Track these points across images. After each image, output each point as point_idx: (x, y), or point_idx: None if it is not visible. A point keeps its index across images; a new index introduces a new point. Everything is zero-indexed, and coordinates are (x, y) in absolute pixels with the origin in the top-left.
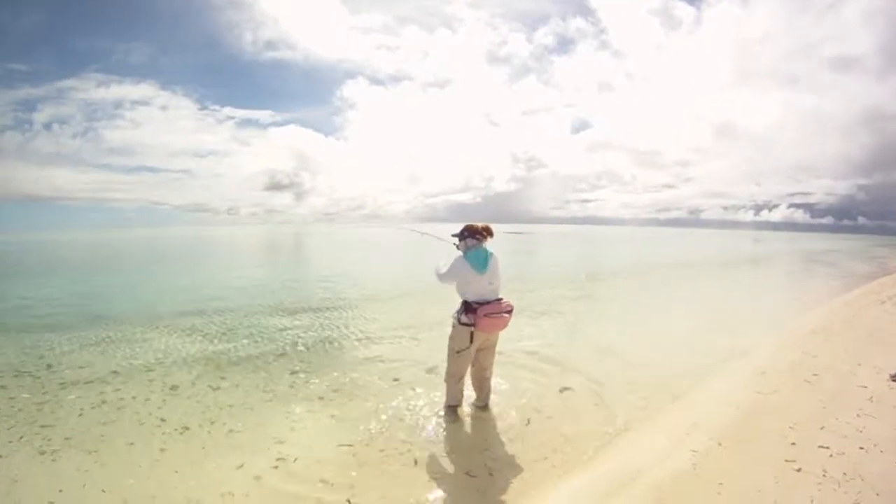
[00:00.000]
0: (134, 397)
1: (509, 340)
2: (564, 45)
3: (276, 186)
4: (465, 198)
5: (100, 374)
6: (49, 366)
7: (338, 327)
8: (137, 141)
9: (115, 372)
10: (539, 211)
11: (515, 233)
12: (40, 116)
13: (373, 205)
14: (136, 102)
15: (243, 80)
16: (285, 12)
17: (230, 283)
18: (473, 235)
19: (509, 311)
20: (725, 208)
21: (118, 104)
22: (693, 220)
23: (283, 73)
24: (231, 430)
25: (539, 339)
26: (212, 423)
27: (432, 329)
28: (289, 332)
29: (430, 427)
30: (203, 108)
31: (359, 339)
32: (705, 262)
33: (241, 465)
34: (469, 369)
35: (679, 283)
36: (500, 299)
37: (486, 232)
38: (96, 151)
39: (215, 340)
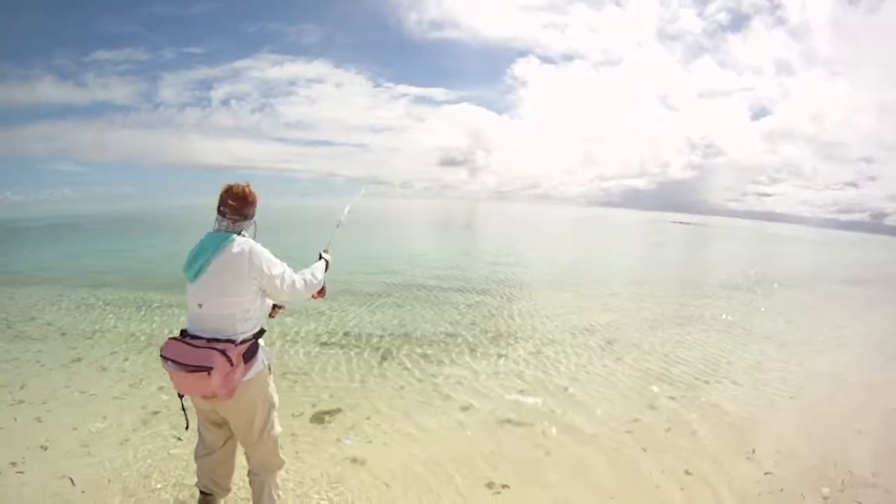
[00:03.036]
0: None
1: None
2: (738, 21)
3: (450, 162)
4: (640, 183)
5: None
6: None
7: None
8: (313, 116)
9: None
10: (716, 202)
11: (683, 223)
12: (217, 94)
13: (546, 185)
14: (310, 80)
15: (414, 58)
16: None
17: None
18: (218, 209)
19: (199, 368)
20: None
21: (293, 82)
22: (875, 225)
23: (451, 52)
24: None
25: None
26: None
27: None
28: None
29: None
30: (377, 85)
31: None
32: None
33: None
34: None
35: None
36: (194, 339)
37: (233, 202)
38: (274, 125)
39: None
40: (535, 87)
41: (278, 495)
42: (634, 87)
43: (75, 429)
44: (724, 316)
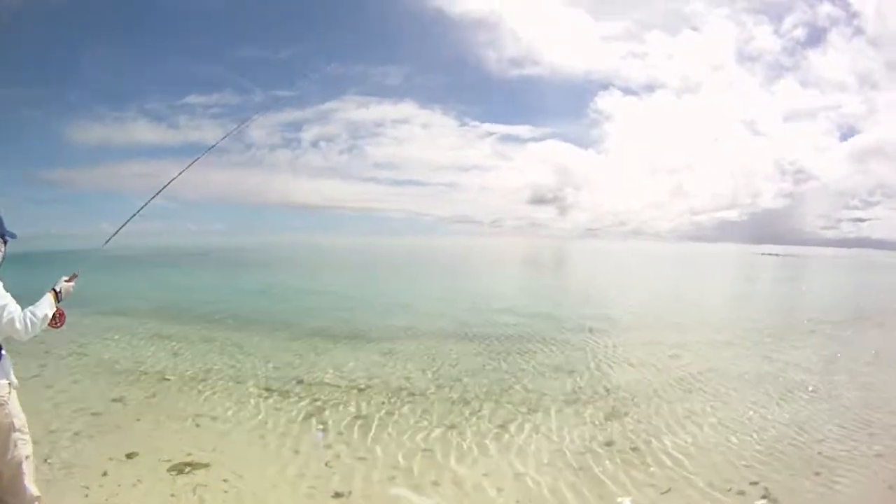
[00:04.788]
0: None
1: None
2: (815, 35)
3: (539, 200)
4: (732, 215)
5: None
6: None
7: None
8: (401, 156)
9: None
10: (810, 231)
11: (772, 254)
12: (307, 135)
13: (636, 220)
14: (396, 121)
15: (497, 96)
16: (526, 28)
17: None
18: None
19: None
20: None
21: (379, 123)
22: None
23: (534, 89)
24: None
25: None
26: None
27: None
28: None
29: None
30: (463, 124)
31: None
32: None
33: None
34: None
35: None
36: None
37: None
38: (362, 166)
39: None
40: (619, 120)
41: None
42: (717, 113)
43: None
44: None
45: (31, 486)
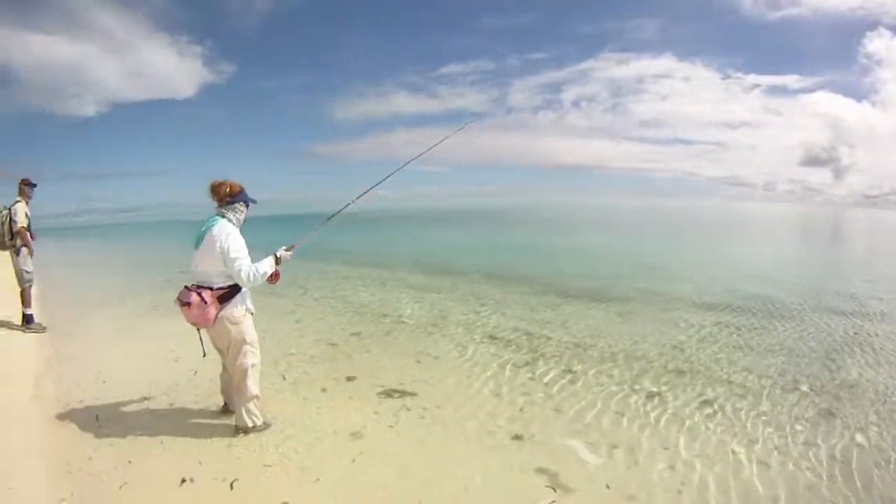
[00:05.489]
0: None
1: None
2: None
3: (812, 161)
4: None
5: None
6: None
7: None
8: (665, 113)
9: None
10: None
11: None
12: (567, 96)
13: None
14: (657, 76)
15: (758, 43)
16: None
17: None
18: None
19: (185, 303)
20: None
21: (640, 79)
22: None
23: (796, 33)
24: None
25: None
26: None
27: None
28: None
29: None
30: (725, 77)
31: None
32: None
33: None
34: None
35: None
36: (193, 285)
37: (211, 191)
38: (627, 125)
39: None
40: (892, 66)
41: (253, 420)
42: None
43: None
44: None
45: (253, 388)
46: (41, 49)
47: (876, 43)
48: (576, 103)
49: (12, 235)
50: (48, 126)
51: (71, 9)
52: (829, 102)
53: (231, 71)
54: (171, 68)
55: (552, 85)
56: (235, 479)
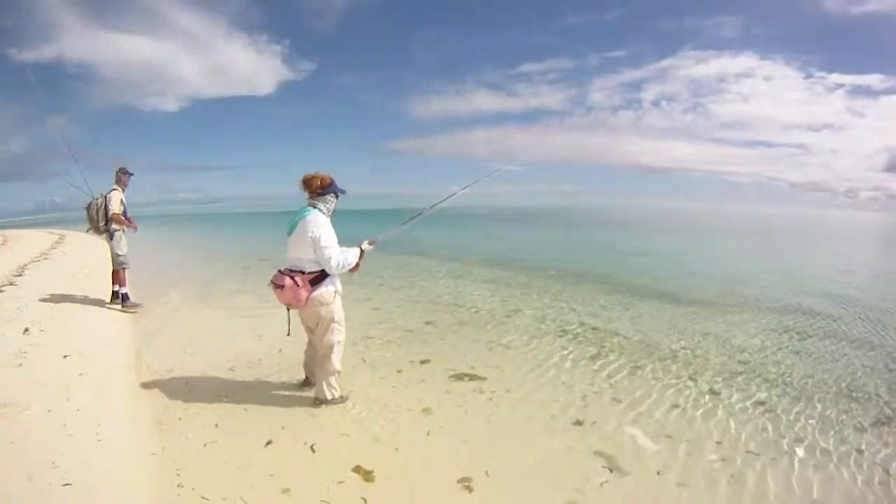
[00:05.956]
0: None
1: None
2: None
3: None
4: None
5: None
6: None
7: None
8: (747, 114)
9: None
10: None
11: None
12: (647, 95)
13: None
14: (738, 75)
15: (840, 40)
16: None
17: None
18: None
19: (278, 286)
20: None
21: (721, 78)
22: None
23: (878, 28)
24: None
25: None
26: None
27: None
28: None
29: None
30: (808, 76)
31: None
32: None
33: None
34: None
35: None
36: (286, 269)
37: (303, 184)
38: (708, 125)
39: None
40: None
41: (333, 393)
42: None
43: None
44: None
45: (337, 363)
46: (125, 48)
47: None
48: (655, 103)
49: (107, 221)
50: (133, 121)
51: (153, 9)
52: None
53: (310, 68)
54: (251, 66)
55: (632, 84)
56: (315, 444)
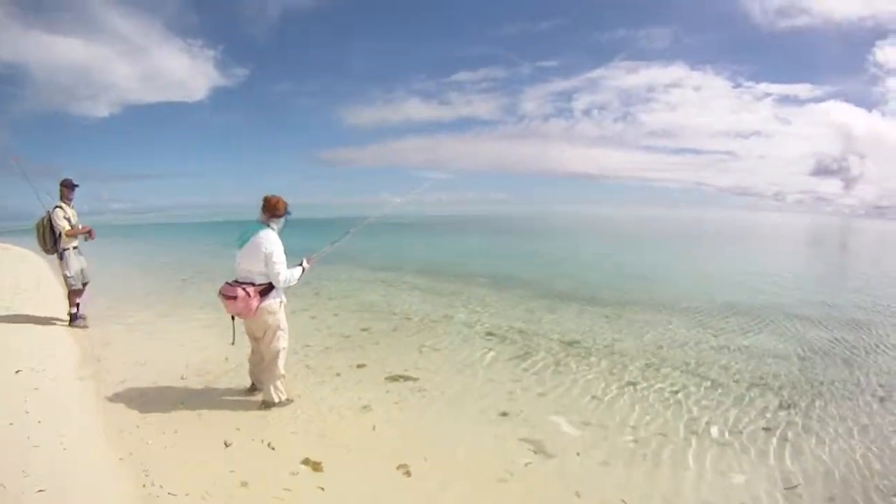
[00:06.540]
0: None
1: None
2: None
3: (822, 171)
4: None
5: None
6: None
7: None
8: (675, 122)
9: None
10: None
11: None
12: (578, 104)
13: None
14: (668, 85)
15: (769, 52)
16: None
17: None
18: (261, 207)
19: (230, 297)
20: None
21: (650, 88)
22: None
23: (806, 42)
24: None
25: None
26: None
27: None
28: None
29: None
30: (737, 85)
31: None
32: None
33: None
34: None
35: None
36: (235, 282)
37: (265, 206)
38: (637, 134)
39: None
40: None
41: (279, 396)
42: None
43: None
44: None
45: (281, 368)
46: (57, 50)
47: (886, 52)
48: (586, 112)
49: (55, 241)
50: (62, 126)
51: (87, 11)
52: (839, 112)
53: (243, 75)
54: (184, 71)
55: (564, 93)
56: (270, 441)
